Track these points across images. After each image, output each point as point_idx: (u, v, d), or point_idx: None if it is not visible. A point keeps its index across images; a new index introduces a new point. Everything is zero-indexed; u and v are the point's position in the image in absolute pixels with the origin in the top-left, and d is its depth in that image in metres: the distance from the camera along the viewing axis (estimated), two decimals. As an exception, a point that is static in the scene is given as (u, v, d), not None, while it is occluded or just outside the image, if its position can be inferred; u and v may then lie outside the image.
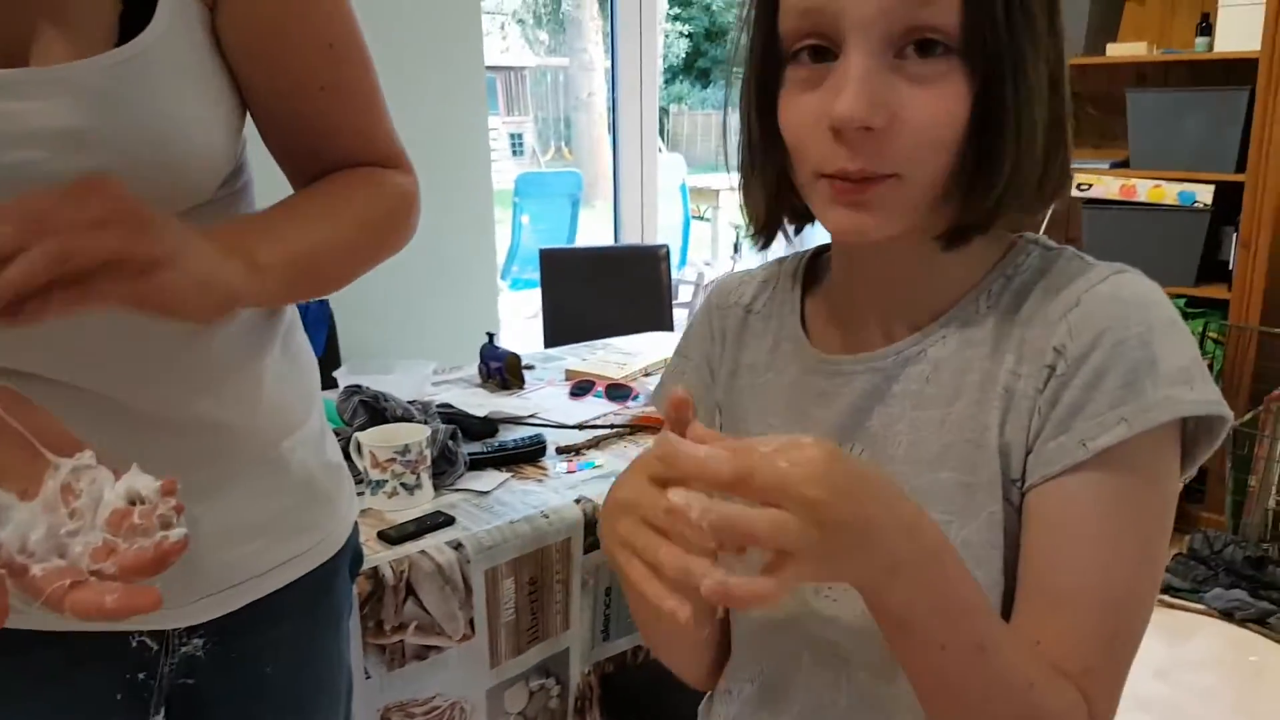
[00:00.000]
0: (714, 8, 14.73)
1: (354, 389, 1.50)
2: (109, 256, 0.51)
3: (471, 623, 1.26)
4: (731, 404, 0.73)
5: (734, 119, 0.64)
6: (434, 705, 1.25)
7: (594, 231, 7.33)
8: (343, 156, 0.76)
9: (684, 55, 15.29)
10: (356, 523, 0.89)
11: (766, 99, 0.59)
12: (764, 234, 0.67)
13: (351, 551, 0.88)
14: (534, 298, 5.23)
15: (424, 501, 1.34)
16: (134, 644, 0.72)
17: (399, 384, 1.68)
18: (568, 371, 1.99)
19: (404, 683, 1.21)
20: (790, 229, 0.66)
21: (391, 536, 1.23)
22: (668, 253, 2.67)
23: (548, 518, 1.34)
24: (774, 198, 0.63)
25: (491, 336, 2.02)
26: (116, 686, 0.73)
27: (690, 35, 15.25)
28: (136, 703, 0.74)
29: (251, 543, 0.75)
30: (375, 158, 0.77)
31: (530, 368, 2.05)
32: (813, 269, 0.73)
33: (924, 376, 0.62)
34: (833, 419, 0.65)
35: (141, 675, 0.73)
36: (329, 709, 0.87)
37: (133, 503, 0.49)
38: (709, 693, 0.78)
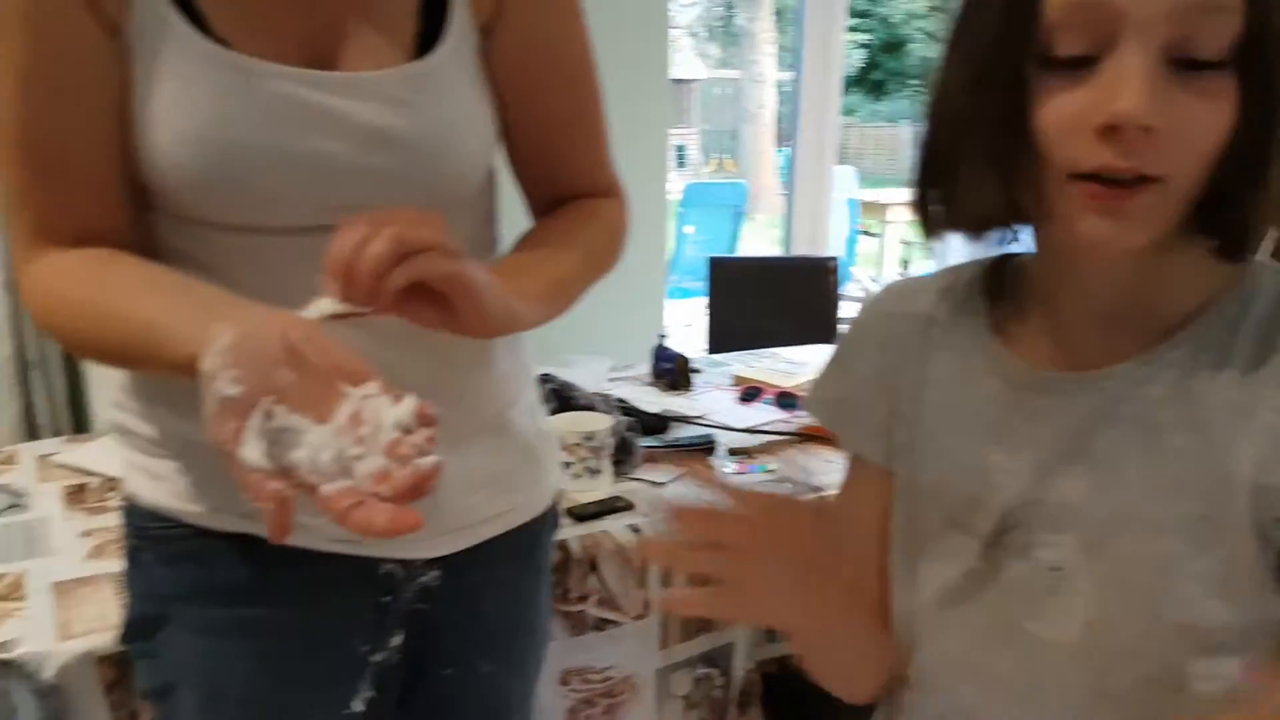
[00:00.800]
0: (892, 20, 14.42)
1: (546, 377, 1.61)
2: (445, 271, 0.61)
3: (646, 603, 1.34)
4: (919, 418, 0.70)
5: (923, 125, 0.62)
6: (608, 676, 1.33)
7: (753, 244, 7.36)
8: (574, 184, 0.86)
9: (859, 67, 15.03)
10: (559, 491, 0.98)
11: (1010, 96, 0.56)
12: (978, 232, 0.63)
13: (554, 515, 0.98)
14: (692, 306, 5.33)
15: (604, 486, 1.43)
16: (383, 571, 0.82)
17: (578, 377, 1.79)
18: (736, 377, 2.05)
19: (584, 650, 1.30)
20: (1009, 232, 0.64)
21: (578, 514, 1.33)
22: (838, 265, 2.69)
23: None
24: (1003, 197, 0.59)
25: (663, 337, 2.10)
26: (366, 608, 0.83)
27: (867, 46, 14.98)
28: (381, 623, 0.84)
29: (480, 492, 0.84)
30: (599, 187, 0.88)
31: (697, 371, 2.12)
32: (997, 278, 0.70)
33: (1158, 400, 0.59)
34: (1049, 440, 0.63)
35: (387, 599, 0.83)
36: (531, 649, 0.96)
37: (405, 431, 0.54)
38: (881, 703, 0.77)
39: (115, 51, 0.68)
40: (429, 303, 0.63)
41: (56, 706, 0.96)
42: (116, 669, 1.00)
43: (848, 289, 5.36)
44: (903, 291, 0.74)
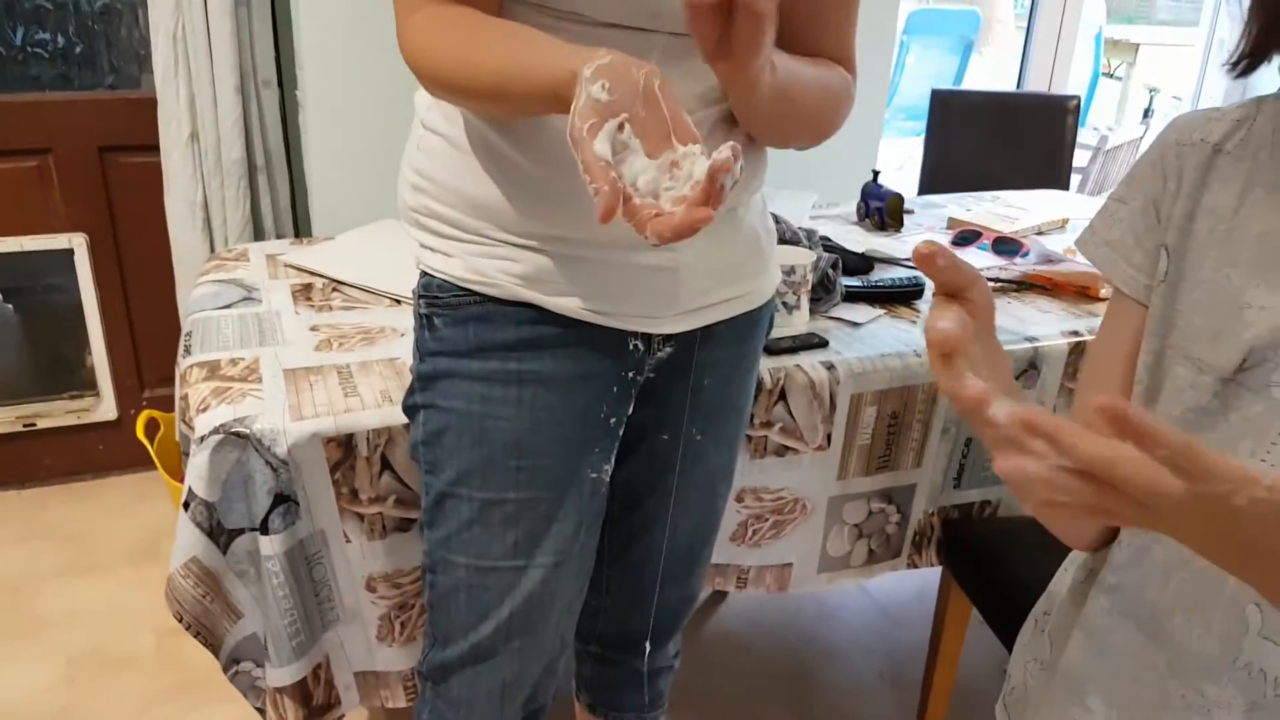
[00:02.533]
0: None
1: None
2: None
3: (829, 437, 1.31)
4: (1184, 249, 0.67)
5: None
6: (780, 496, 1.34)
7: (980, 82, 6.73)
8: (823, 47, 0.91)
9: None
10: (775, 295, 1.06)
11: None
12: (1247, 59, 0.60)
13: (770, 311, 1.07)
14: (903, 145, 4.98)
15: (800, 323, 1.39)
16: (630, 346, 0.93)
17: (781, 210, 1.71)
18: (950, 220, 1.91)
19: (761, 472, 1.31)
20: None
21: (771, 347, 1.29)
22: (1078, 104, 2.40)
23: (920, 357, 1.33)
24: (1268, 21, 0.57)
25: (876, 175, 1.97)
26: (615, 380, 0.94)
27: None
28: (623, 395, 0.96)
29: (711, 278, 0.93)
30: (842, 56, 0.93)
31: (910, 212, 1.98)
32: None
33: None
34: None
35: (630, 374, 0.95)
36: (736, 426, 1.08)
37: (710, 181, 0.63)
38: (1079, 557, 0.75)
39: None
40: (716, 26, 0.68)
41: (287, 478, 1.07)
42: (341, 449, 1.09)
43: (1082, 136, 4.84)
44: (1194, 120, 0.69)
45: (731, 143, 0.61)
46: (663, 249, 0.89)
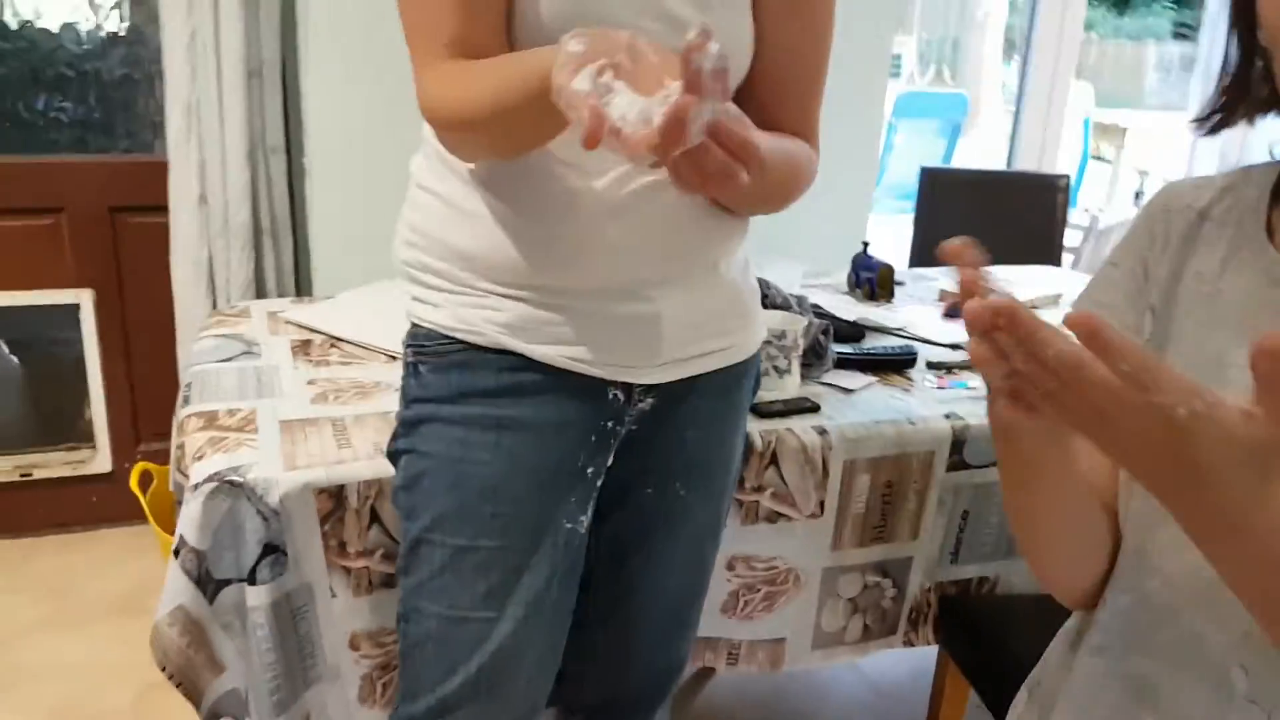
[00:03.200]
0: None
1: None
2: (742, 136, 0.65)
3: (822, 504, 1.31)
4: (1169, 311, 0.68)
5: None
6: (773, 565, 1.34)
7: (968, 164, 6.89)
8: (784, 119, 0.94)
9: (1103, -23, 13.54)
10: (760, 352, 1.07)
11: None
12: (1218, 115, 0.64)
13: (756, 368, 1.07)
14: (893, 222, 5.07)
15: (791, 387, 1.40)
16: (610, 396, 0.95)
17: (772, 279, 1.74)
18: (942, 292, 1.94)
19: (753, 539, 1.31)
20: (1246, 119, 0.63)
21: (763, 411, 1.31)
22: (1068, 183, 2.46)
23: (914, 425, 1.34)
24: (1236, 81, 0.60)
25: (866, 246, 2.01)
26: (593, 429, 0.95)
27: (1112, -46, 13.44)
28: (602, 444, 0.97)
29: (692, 329, 0.96)
30: (806, 131, 0.97)
31: (900, 284, 2.02)
32: None
33: None
34: None
35: (609, 423, 0.96)
36: (724, 482, 1.08)
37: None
38: (1073, 626, 0.75)
39: None
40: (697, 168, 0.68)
41: (277, 528, 1.07)
42: (331, 500, 1.09)
43: (1073, 216, 4.93)
44: (1183, 187, 0.72)
45: (699, 23, 0.59)
46: (642, 300, 0.91)
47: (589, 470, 0.97)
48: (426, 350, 0.94)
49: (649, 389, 0.96)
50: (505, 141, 0.84)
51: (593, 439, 0.96)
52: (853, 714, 1.91)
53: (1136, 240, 0.72)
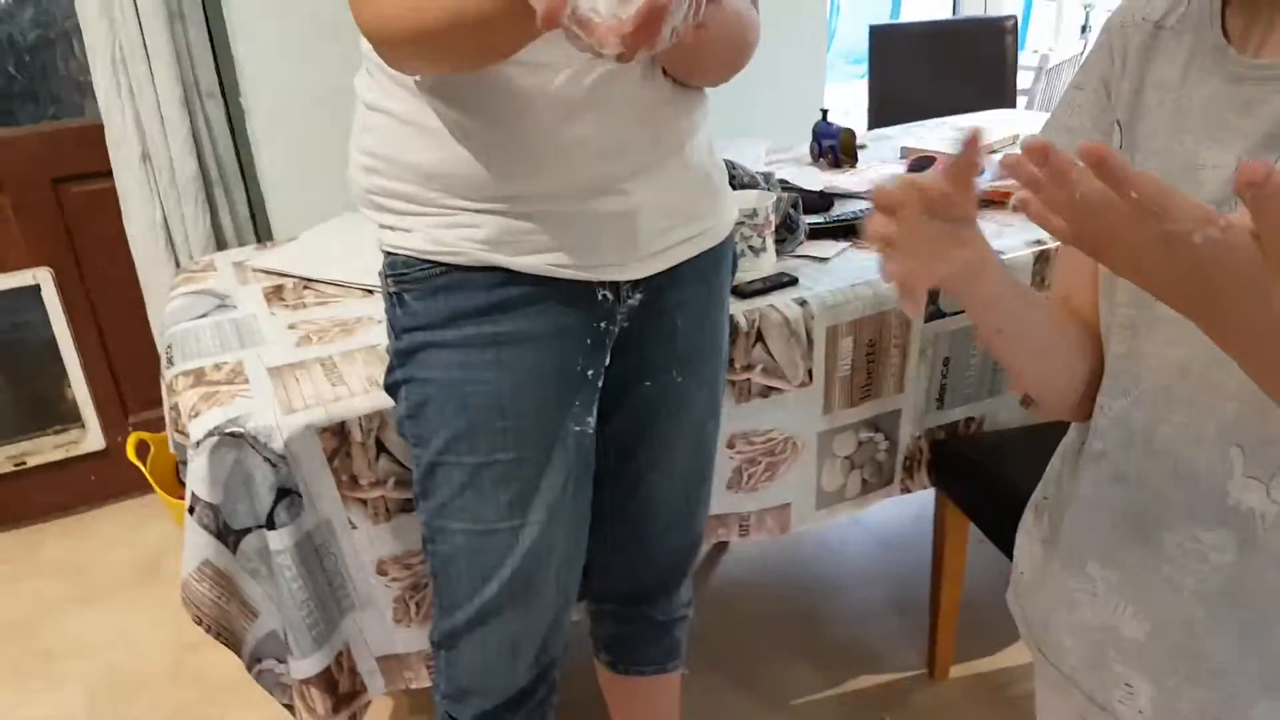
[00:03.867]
0: None
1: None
2: None
3: (810, 372, 1.34)
4: (1135, 122, 0.69)
5: None
6: (771, 437, 1.37)
7: (915, 14, 6.74)
8: None
9: None
10: (734, 233, 1.09)
11: None
12: None
13: (732, 249, 1.09)
14: (848, 89, 4.99)
15: (768, 264, 1.41)
16: (599, 297, 0.96)
17: (736, 159, 1.73)
18: (904, 149, 1.93)
19: (749, 415, 1.34)
20: None
21: (743, 291, 1.32)
22: (1016, 24, 2.43)
23: (889, 284, 1.35)
24: None
25: (825, 114, 1.99)
26: (588, 332, 0.97)
27: None
28: (598, 345, 0.98)
29: (667, 218, 0.96)
30: None
31: (863, 146, 2.00)
32: None
33: None
34: (1259, 128, 0.60)
35: (603, 324, 0.97)
36: (716, 364, 1.11)
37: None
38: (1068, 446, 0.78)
39: None
40: None
41: (286, 472, 1.08)
42: (335, 438, 1.10)
43: (1022, 58, 4.87)
44: (1137, 2, 0.71)
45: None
46: (617, 194, 0.91)
47: (589, 373, 0.98)
48: (408, 278, 0.93)
49: (635, 284, 0.97)
50: (467, 53, 0.79)
51: (588, 342, 0.97)
52: (864, 567, 1.99)
53: (1097, 61, 0.73)
